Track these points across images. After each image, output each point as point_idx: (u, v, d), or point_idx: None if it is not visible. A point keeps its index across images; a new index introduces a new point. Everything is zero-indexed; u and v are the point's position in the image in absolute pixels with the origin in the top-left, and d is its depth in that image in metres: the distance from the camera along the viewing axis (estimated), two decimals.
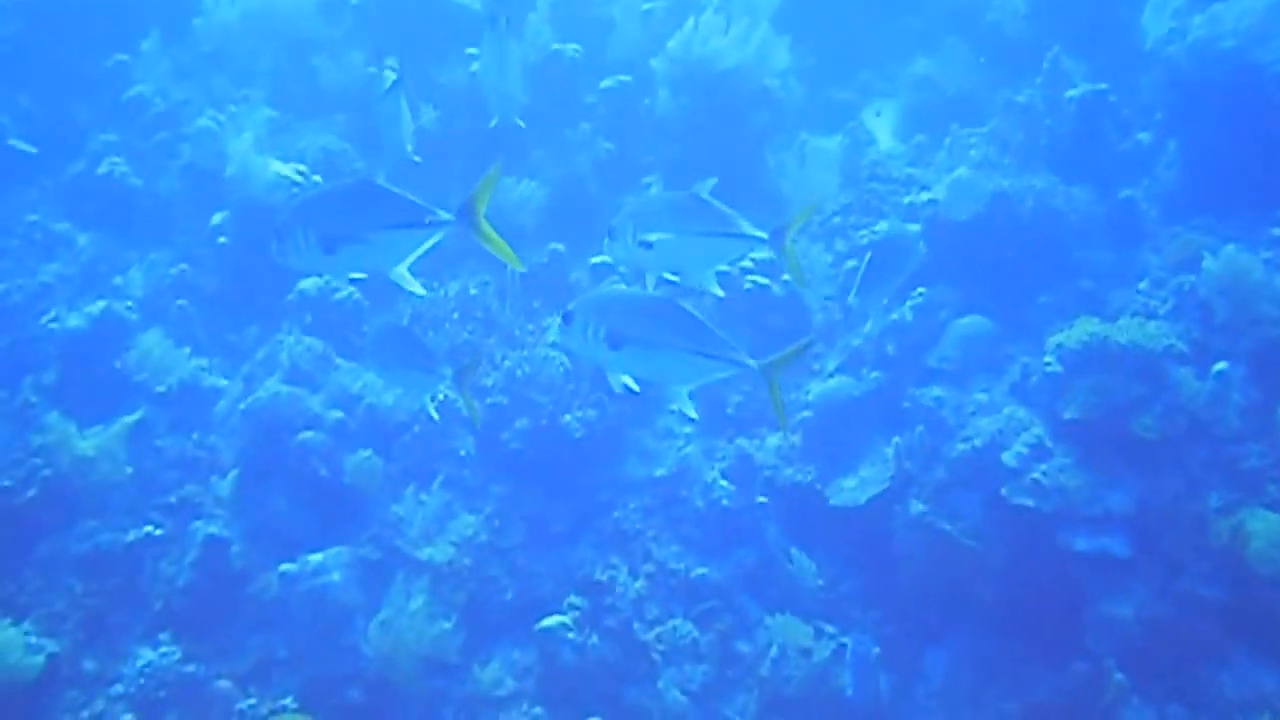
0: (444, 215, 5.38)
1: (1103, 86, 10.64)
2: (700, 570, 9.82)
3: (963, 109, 13.05)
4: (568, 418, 10.24)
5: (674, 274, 6.38)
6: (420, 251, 5.49)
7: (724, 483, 10.06)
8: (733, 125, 12.46)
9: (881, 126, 13.80)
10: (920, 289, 10.15)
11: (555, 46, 12.52)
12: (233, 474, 10.04)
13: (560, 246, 11.39)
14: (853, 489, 9.68)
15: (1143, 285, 9.92)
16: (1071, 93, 10.60)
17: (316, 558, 9.56)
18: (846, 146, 13.06)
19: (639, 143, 12.80)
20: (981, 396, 9.55)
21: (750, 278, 10.83)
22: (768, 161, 12.91)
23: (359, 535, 9.85)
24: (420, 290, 5.72)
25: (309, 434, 10.08)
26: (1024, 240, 10.09)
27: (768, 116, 12.54)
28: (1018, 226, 10.09)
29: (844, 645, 9.11)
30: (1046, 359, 9.27)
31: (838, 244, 11.57)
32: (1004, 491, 8.88)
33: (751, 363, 5.64)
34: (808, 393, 10.33)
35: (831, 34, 14.96)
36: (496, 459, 10.28)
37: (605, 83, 12.98)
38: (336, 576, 9.50)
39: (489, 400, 10.24)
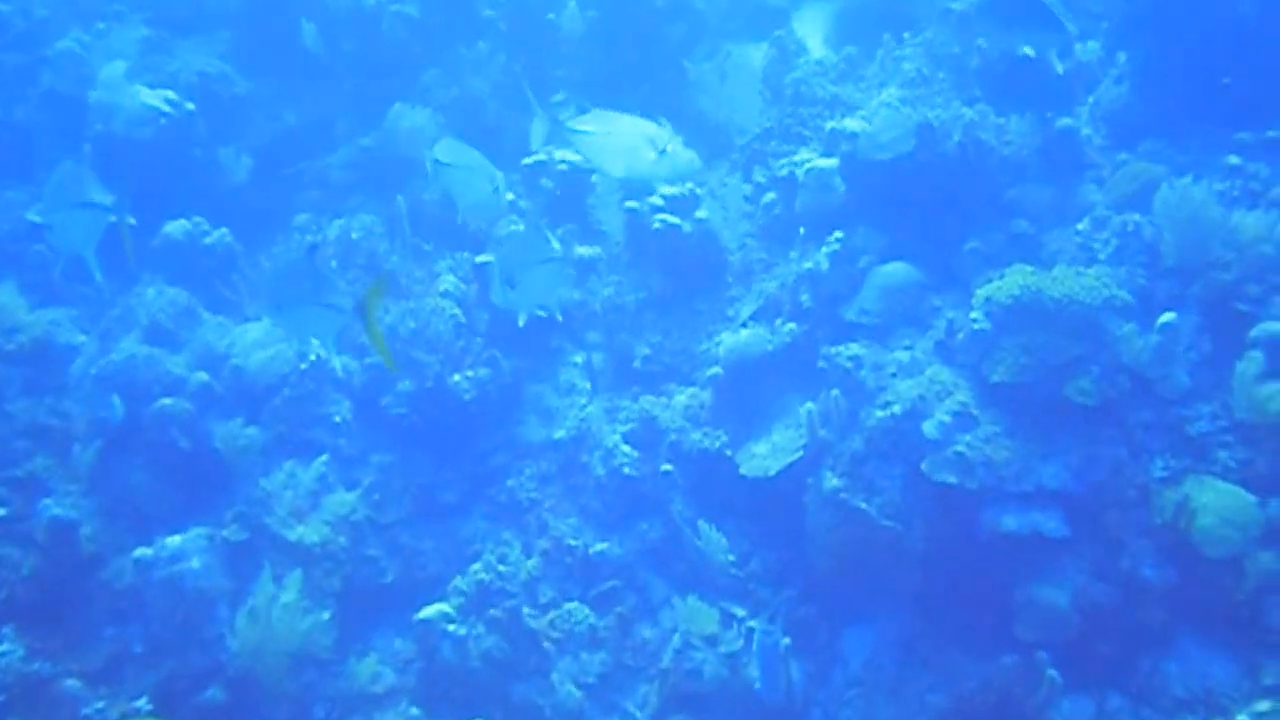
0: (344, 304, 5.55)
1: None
2: (600, 546, 9.03)
3: (900, 16, 11.95)
4: (457, 378, 9.33)
5: None
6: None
7: (626, 448, 9.16)
8: (647, 38, 11.36)
9: (813, 33, 12.69)
10: (837, 233, 9.17)
11: None
12: (85, 446, 9.05)
13: None
14: (764, 456, 8.83)
15: (1082, 225, 9.01)
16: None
17: (175, 541, 8.69)
18: (773, 58, 11.93)
19: (545, 60, 11.67)
20: (903, 355, 8.67)
21: (659, 216, 9.81)
22: (688, 76, 11.80)
23: (224, 514, 8.89)
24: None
25: (169, 400, 9.11)
26: (952, 177, 9.11)
27: (685, 27, 11.45)
28: (945, 162, 9.11)
29: (752, 631, 8.26)
30: (973, 315, 8.38)
31: (757, 174, 10.56)
32: (924, 466, 7.97)
33: None
34: (718, 344, 9.37)
35: None
36: (378, 425, 9.36)
37: None
38: (197, 563, 8.62)
39: (368, 360, 9.26)
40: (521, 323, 7.45)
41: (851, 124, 9.55)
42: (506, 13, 11.81)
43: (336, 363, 7.82)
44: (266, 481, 9.07)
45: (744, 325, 9.62)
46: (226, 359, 9.50)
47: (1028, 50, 9.59)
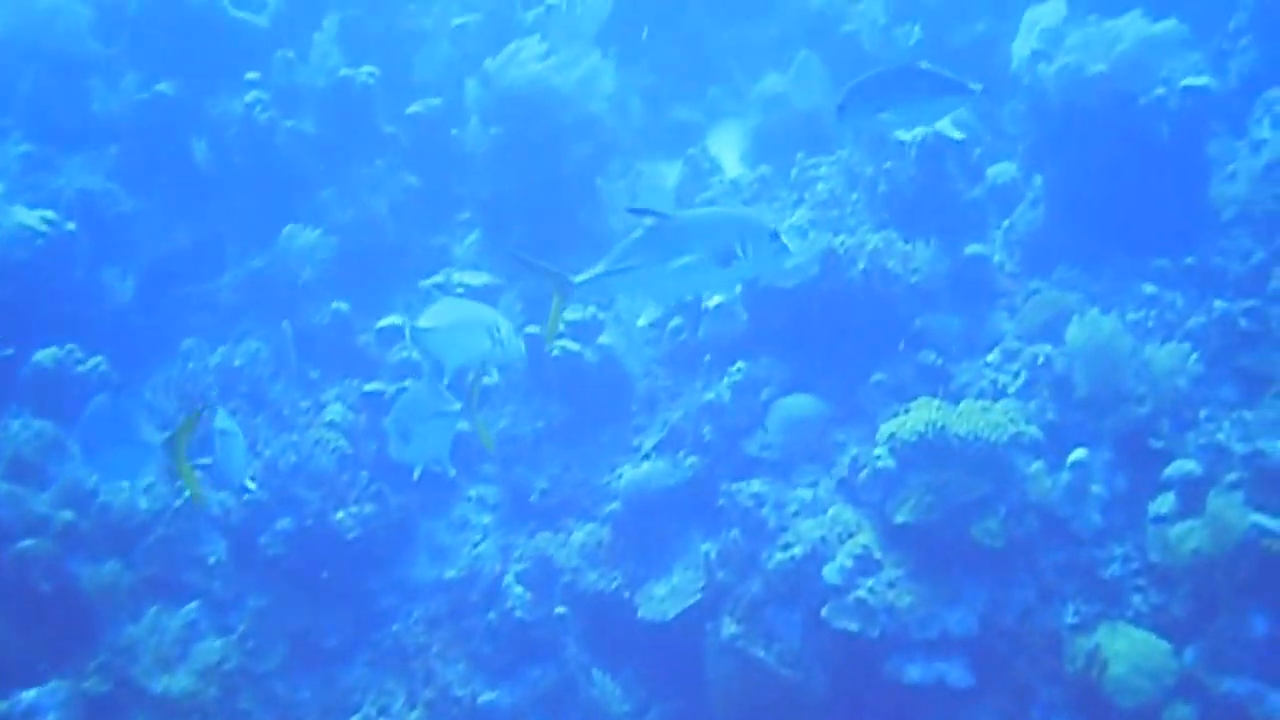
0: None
1: (943, 127, 9.34)
2: (489, 695, 8.60)
3: (816, 132, 11.80)
4: (340, 515, 8.93)
5: None
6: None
7: (519, 589, 8.77)
8: (554, 155, 11.08)
9: (729, 150, 12.52)
10: (740, 363, 8.90)
11: (345, 72, 11.06)
12: None
13: (344, 306, 9.99)
14: (663, 599, 8.47)
15: (992, 357, 8.78)
16: (916, 131, 9.32)
17: (30, 695, 8.17)
18: (685, 177, 11.74)
19: (450, 178, 11.41)
20: (805, 493, 8.38)
21: (560, 343, 9.50)
22: (598, 195, 11.54)
23: (86, 664, 8.41)
24: None
25: (30, 541, 8.66)
26: (858, 306, 8.87)
27: (593, 146, 11.19)
28: (850, 290, 8.86)
29: None
30: (877, 452, 8.08)
31: None
32: (825, 613, 7.63)
33: None
34: (620, 477, 9.03)
35: (678, 45, 13.66)
36: (255, 565, 8.93)
37: (413, 108, 11.59)
38: (52, 718, 8.07)
39: (246, 497, 8.86)
40: (416, 476, 7.22)
41: None
42: (408, 129, 11.52)
43: (250, 484, 7.57)
44: (133, 628, 8.59)
45: (646, 458, 9.29)
46: (95, 496, 9.04)
47: (956, 134, 9.45)
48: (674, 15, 13.76)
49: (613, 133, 11.77)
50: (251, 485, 8.64)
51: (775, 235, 5.42)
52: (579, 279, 5.35)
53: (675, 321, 9.89)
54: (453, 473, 7.46)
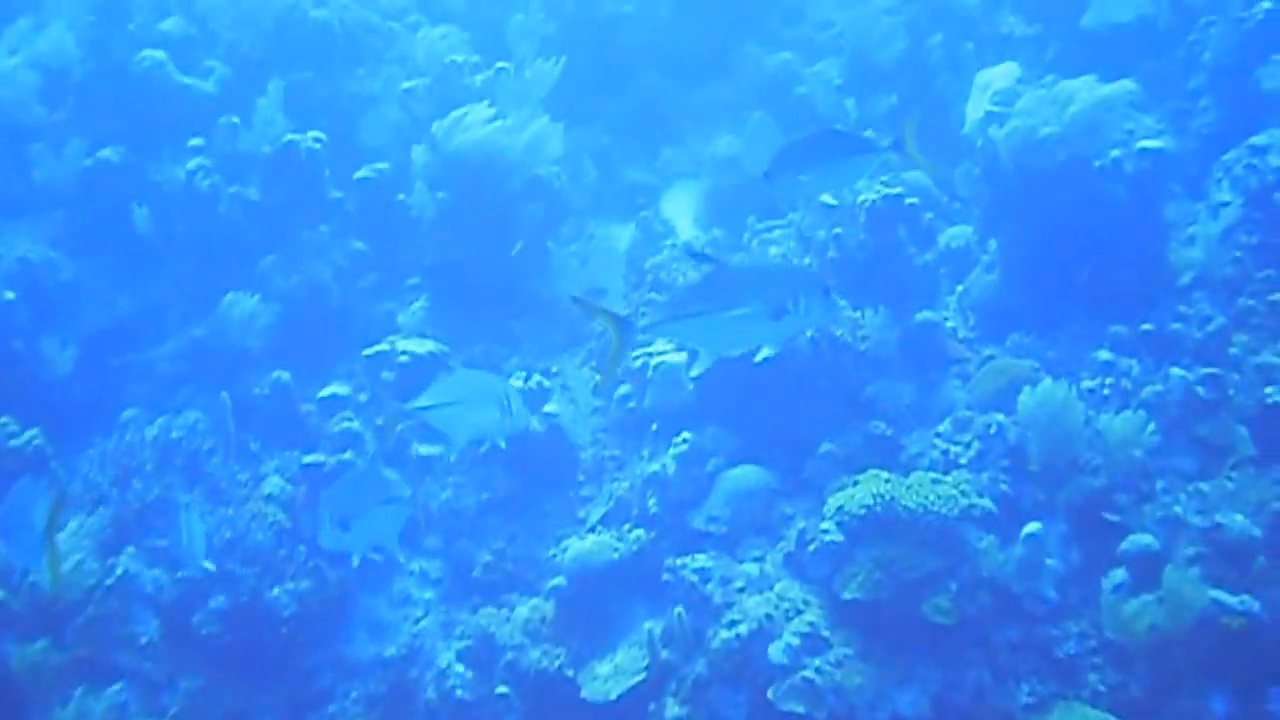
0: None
1: (897, 190, 9.21)
2: None
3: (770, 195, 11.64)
4: (276, 591, 8.69)
5: None
6: None
7: (460, 667, 8.55)
8: (503, 221, 10.93)
9: (682, 213, 12.40)
10: (686, 433, 8.72)
11: (290, 137, 10.90)
12: None
13: (286, 375, 9.79)
14: (607, 678, 8.24)
15: (944, 426, 8.61)
16: (863, 196, 9.19)
17: None
18: (638, 240, 11.60)
19: (398, 243, 11.24)
20: (752, 568, 8.18)
21: None
22: (549, 259, 11.40)
23: None
24: None
25: None
26: (806, 374, 8.70)
27: (543, 210, 11.05)
28: (797, 358, 8.70)
29: None
30: (824, 525, 7.89)
31: None
32: (771, 694, 7.42)
33: None
34: (565, 550, 8.83)
35: (633, 107, 13.55)
36: (188, 645, 8.67)
37: (361, 172, 11.43)
38: None
39: (179, 574, 8.62)
40: (356, 563, 7.25)
41: None
42: (356, 194, 11.35)
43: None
44: (62, 712, 8.32)
45: (592, 530, 9.10)
46: (26, 574, 8.78)
47: (912, 199, 9.34)
48: (629, 77, 13.66)
49: (563, 196, 11.64)
50: (209, 566, 8.41)
51: (827, 291, 5.61)
52: (642, 323, 5.59)
53: (624, 389, 9.69)
54: (401, 559, 7.30)
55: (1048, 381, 8.21)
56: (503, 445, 7.10)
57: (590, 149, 13.13)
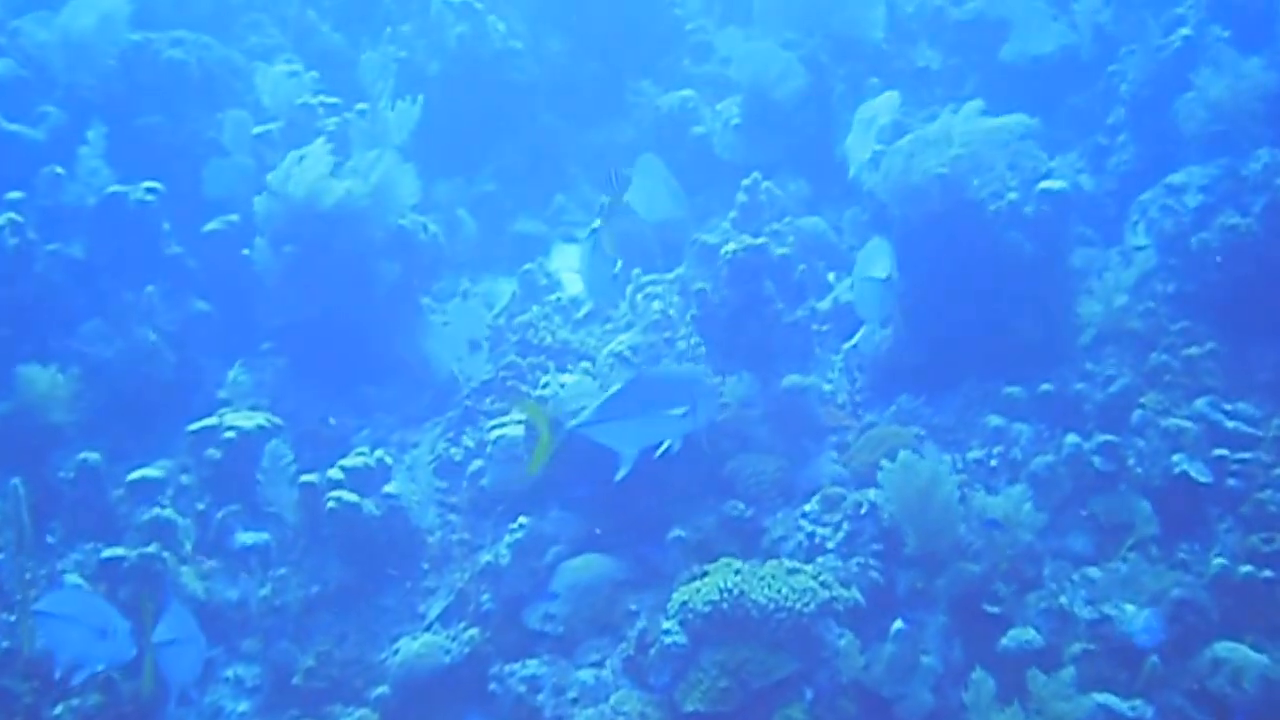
0: None
1: (761, 241, 8.47)
2: None
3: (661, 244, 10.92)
4: (60, 709, 7.89)
5: None
6: None
7: None
8: (358, 277, 10.17)
9: (570, 265, 11.67)
10: (522, 518, 7.94)
11: (116, 188, 10.15)
12: None
13: (95, 456, 8.98)
14: None
15: (811, 506, 7.80)
16: (727, 248, 8.45)
17: None
18: (518, 296, 10.86)
19: (246, 303, 10.47)
20: (587, 674, 7.38)
21: (335, 494, 8.53)
22: (415, 320, 10.65)
23: None
24: None
25: None
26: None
27: (400, 267, 10.29)
28: None
29: None
30: (666, 624, 7.10)
31: (467, 437, 9.35)
32: None
33: None
34: (397, 652, 8.02)
35: (524, 151, 12.85)
36: None
37: (211, 225, 10.68)
38: None
39: None
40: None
41: (554, 383, 8.41)
42: (200, 249, 10.59)
43: None
44: None
45: (429, 628, 8.28)
46: None
47: (783, 250, 8.63)
48: (519, 118, 12.93)
49: (433, 249, 10.90)
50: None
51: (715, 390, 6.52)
52: (570, 424, 6.03)
53: (476, 465, 8.92)
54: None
55: (905, 454, 7.44)
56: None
57: (476, 197, 12.44)
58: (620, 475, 6.27)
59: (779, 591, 7.03)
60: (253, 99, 12.11)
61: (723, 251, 8.55)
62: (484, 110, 12.88)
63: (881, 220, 9.17)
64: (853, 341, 9.30)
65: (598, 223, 6.65)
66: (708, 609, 7.04)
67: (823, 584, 7.16)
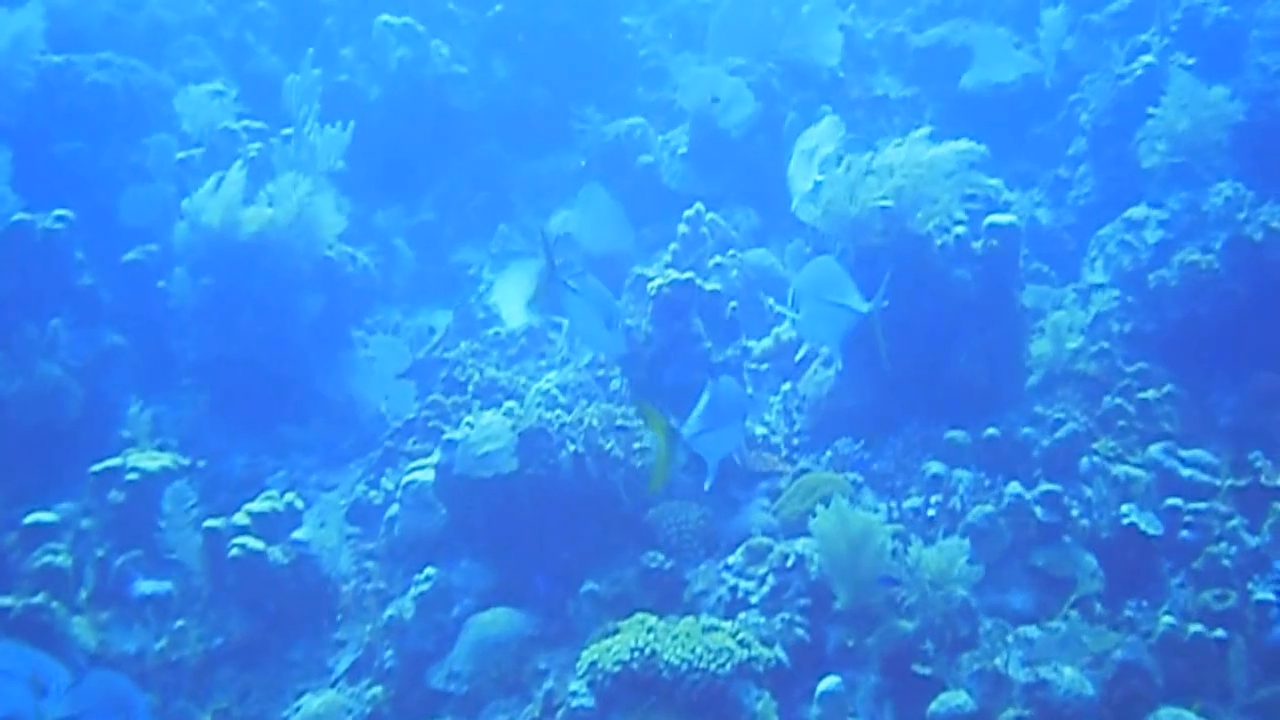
0: None
1: (688, 275, 8.10)
2: None
3: (602, 274, 10.55)
4: None
5: None
6: None
7: None
8: (278, 313, 9.80)
9: (511, 296, 11.31)
10: (429, 569, 7.54)
11: (21, 216, 9.76)
12: None
13: None
14: None
15: (735, 557, 7.40)
16: (652, 284, 8.08)
17: None
18: (454, 329, 10.52)
19: (161, 336, 10.10)
20: None
21: (239, 540, 8.13)
22: (339, 356, 10.28)
23: None
24: None
25: None
26: (573, 496, 7.53)
27: (326, 299, 9.93)
28: (559, 480, 7.55)
29: None
30: (574, 686, 6.69)
31: (387, 480, 8.97)
32: None
33: None
34: (298, 708, 7.61)
35: (468, 178, 12.50)
36: None
37: (131, 255, 10.32)
38: None
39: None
40: None
41: (458, 429, 8.03)
42: (117, 280, 10.22)
43: None
44: None
45: (334, 685, 7.87)
46: None
47: (714, 286, 8.26)
48: (462, 145, 12.60)
49: (363, 280, 10.54)
50: None
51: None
52: (684, 430, 5.57)
53: (393, 510, 8.53)
54: None
55: (839, 502, 7.04)
56: None
57: (415, 226, 12.10)
58: (709, 485, 6.10)
59: (693, 651, 6.62)
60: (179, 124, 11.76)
61: (649, 288, 8.18)
62: (426, 136, 12.58)
63: (823, 254, 8.78)
64: (793, 383, 8.91)
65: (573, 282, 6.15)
66: (617, 669, 6.64)
67: (741, 643, 6.74)
